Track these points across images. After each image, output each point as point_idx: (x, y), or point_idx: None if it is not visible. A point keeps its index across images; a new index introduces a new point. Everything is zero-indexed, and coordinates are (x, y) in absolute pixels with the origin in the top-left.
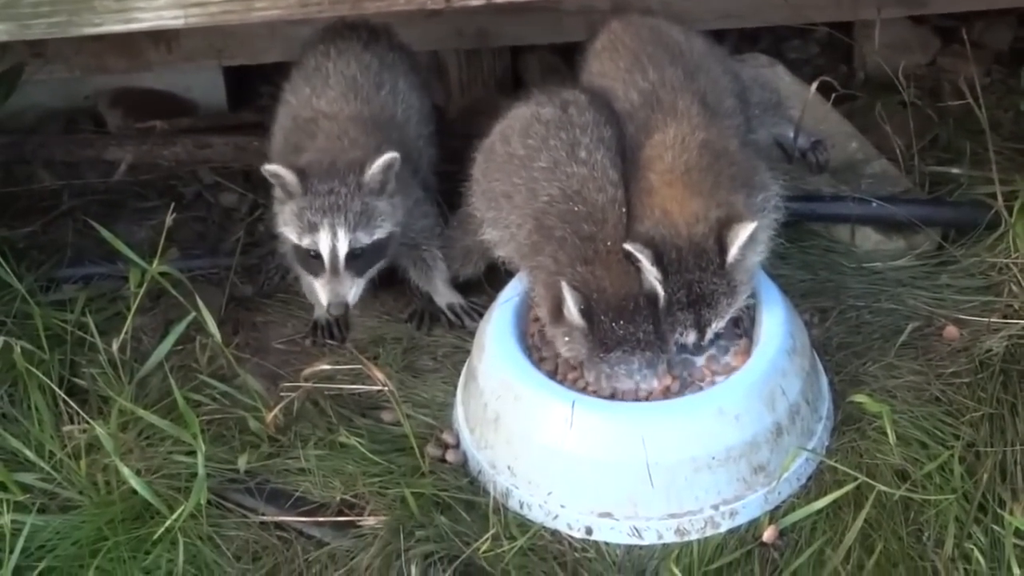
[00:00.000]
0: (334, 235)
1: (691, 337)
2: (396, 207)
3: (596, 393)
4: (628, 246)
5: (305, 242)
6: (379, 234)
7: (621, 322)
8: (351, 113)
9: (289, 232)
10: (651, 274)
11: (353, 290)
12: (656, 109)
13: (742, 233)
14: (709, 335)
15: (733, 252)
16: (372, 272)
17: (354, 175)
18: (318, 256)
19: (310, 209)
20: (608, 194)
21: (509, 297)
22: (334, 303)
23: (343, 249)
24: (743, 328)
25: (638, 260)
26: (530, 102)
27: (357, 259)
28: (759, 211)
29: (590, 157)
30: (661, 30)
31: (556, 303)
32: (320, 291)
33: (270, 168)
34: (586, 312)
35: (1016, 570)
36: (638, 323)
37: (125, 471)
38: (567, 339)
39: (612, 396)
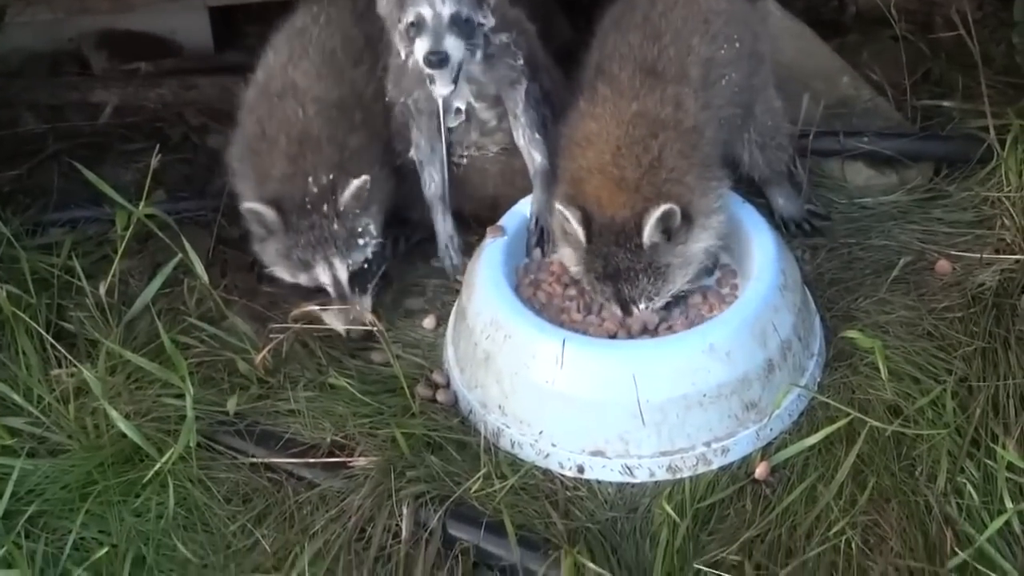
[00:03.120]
0: (331, 266)
1: (616, 310)
2: (375, 213)
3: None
4: (559, 206)
5: (303, 279)
6: (371, 248)
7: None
8: None
9: (282, 272)
10: (577, 234)
11: (367, 307)
12: (598, 78)
13: (654, 215)
14: (637, 311)
15: (646, 233)
16: (374, 282)
17: (329, 205)
18: (320, 290)
19: (297, 247)
20: None
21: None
22: (354, 330)
23: (344, 276)
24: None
25: (567, 219)
26: None
27: (357, 277)
28: (709, 192)
29: None
30: None
31: None
32: (335, 322)
33: (250, 207)
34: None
35: (1008, 504)
36: None
37: (114, 414)
38: None
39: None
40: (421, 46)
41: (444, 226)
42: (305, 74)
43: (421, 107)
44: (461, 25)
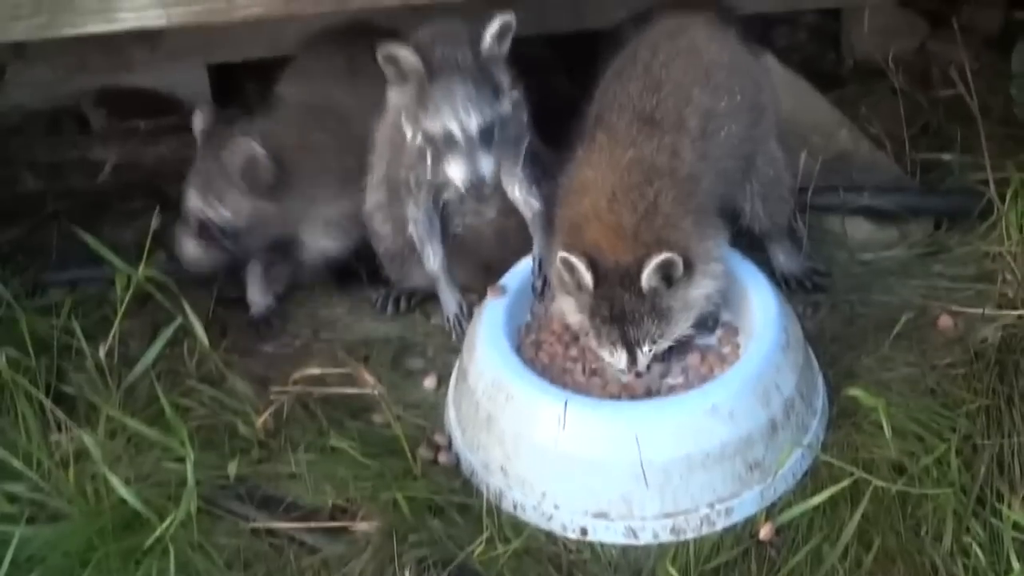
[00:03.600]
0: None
1: (622, 357)
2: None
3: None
4: (563, 253)
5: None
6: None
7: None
8: None
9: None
10: (584, 278)
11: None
12: (597, 127)
13: (654, 261)
14: (642, 358)
15: (644, 278)
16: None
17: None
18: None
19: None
20: None
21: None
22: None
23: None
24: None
25: (571, 265)
26: None
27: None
28: (707, 239)
29: None
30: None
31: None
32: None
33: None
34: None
35: (1016, 564)
36: None
37: (114, 480)
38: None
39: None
40: (456, 171)
41: (452, 296)
42: None
43: (421, 182)
44: (490, 137)
